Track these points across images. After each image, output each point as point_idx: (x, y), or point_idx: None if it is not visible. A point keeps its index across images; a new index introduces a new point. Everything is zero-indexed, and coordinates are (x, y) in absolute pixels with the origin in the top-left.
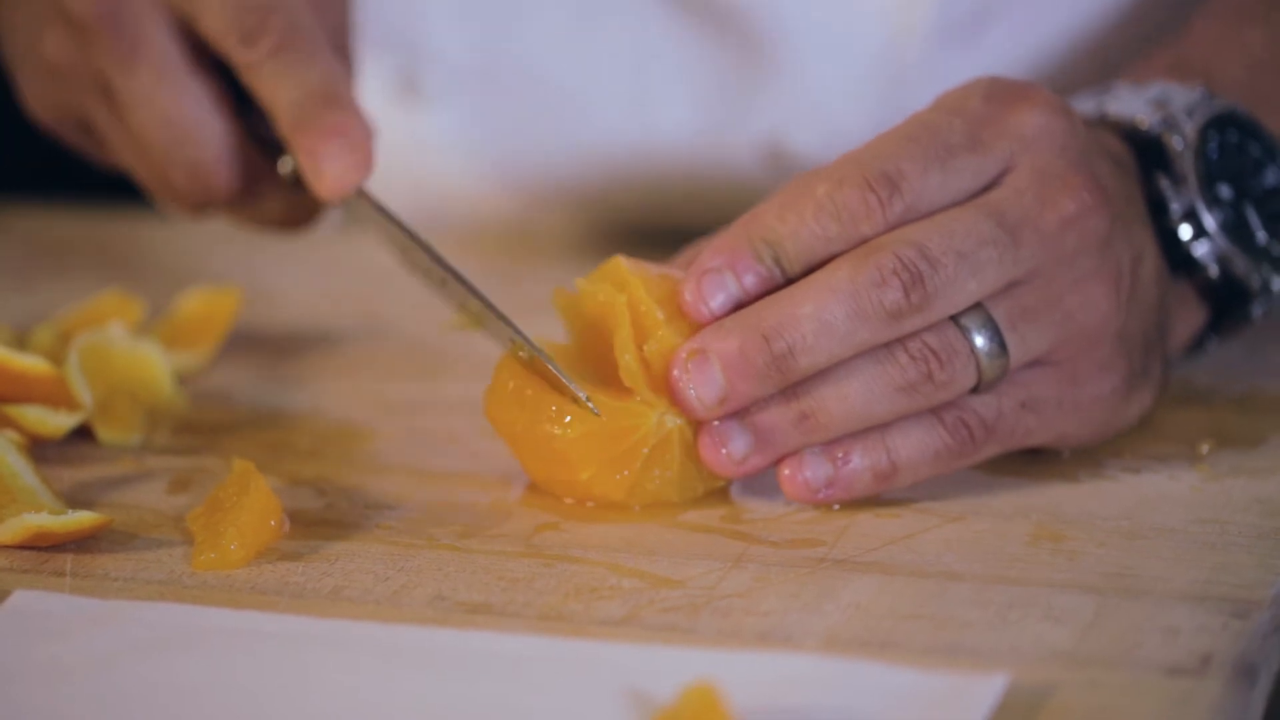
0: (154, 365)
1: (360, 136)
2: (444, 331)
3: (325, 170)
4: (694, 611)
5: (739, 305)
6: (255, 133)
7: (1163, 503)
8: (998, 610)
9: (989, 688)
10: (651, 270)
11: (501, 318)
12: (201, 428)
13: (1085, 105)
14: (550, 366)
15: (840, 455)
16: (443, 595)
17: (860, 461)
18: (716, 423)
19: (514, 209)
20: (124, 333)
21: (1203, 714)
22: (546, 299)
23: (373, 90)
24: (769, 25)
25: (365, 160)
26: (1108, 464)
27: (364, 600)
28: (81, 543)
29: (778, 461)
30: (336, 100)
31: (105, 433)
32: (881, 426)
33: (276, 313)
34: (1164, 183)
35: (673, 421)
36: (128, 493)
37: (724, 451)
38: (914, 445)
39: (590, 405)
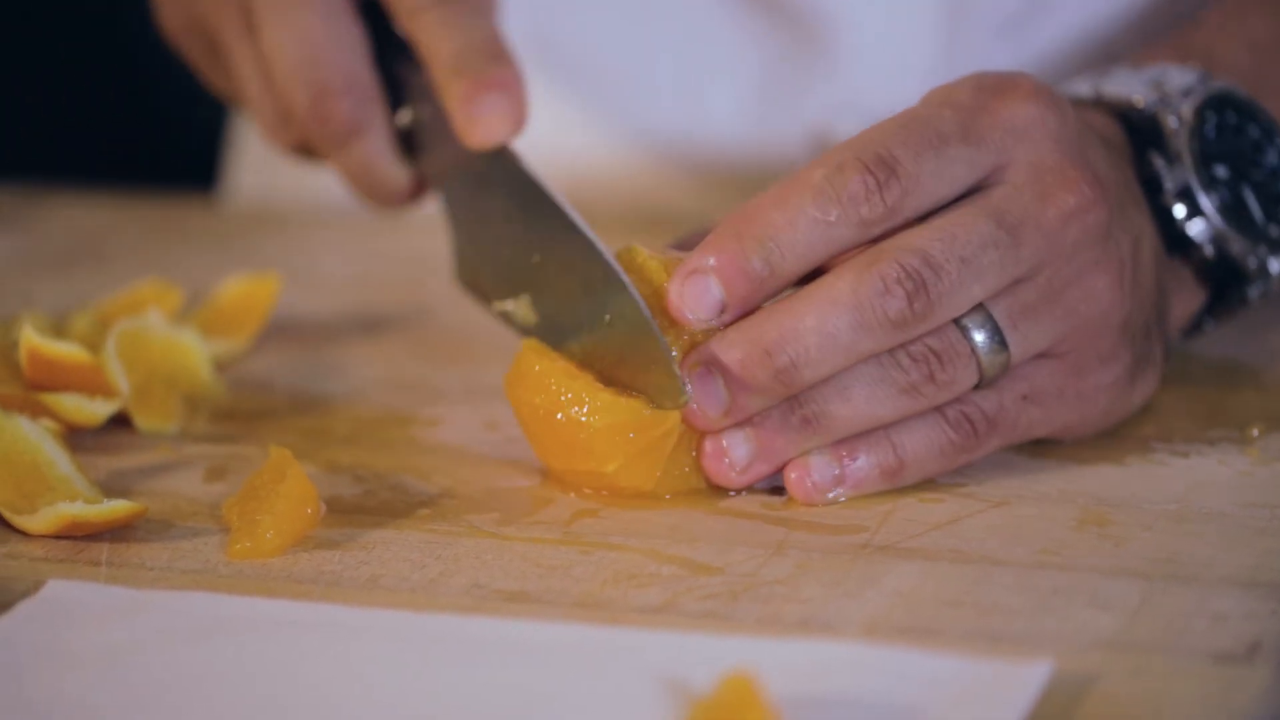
0: (192, 352)
1: (520, 94)
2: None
3: (481, 117)
4: (733, 599)
5: (724, 309)
6: (384, 78)
7: (1212, 487)
8: (1042, 597)
9: (1033, 675)
10: (670, 256)
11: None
12: (240, 415)
13: (1082, 87)
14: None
15: (846, 454)
16: (480, 583)
17: (867, 460)
18: (717, 434)
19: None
20: (162, 320)
21: (1250, 701)
22: None
23: None
24: (821, 14)
25: (521, 117)
26: (1156, 448)
27: (400, 588)
28: (117, 532)
29: (782, 467)
30: (501, 56)
31: (143, 420)
32: (887, 424)
33: (316, 299)
34: (1158, 162)
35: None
36: (164, 481)
37: (726, 461)
38: (919, 441)
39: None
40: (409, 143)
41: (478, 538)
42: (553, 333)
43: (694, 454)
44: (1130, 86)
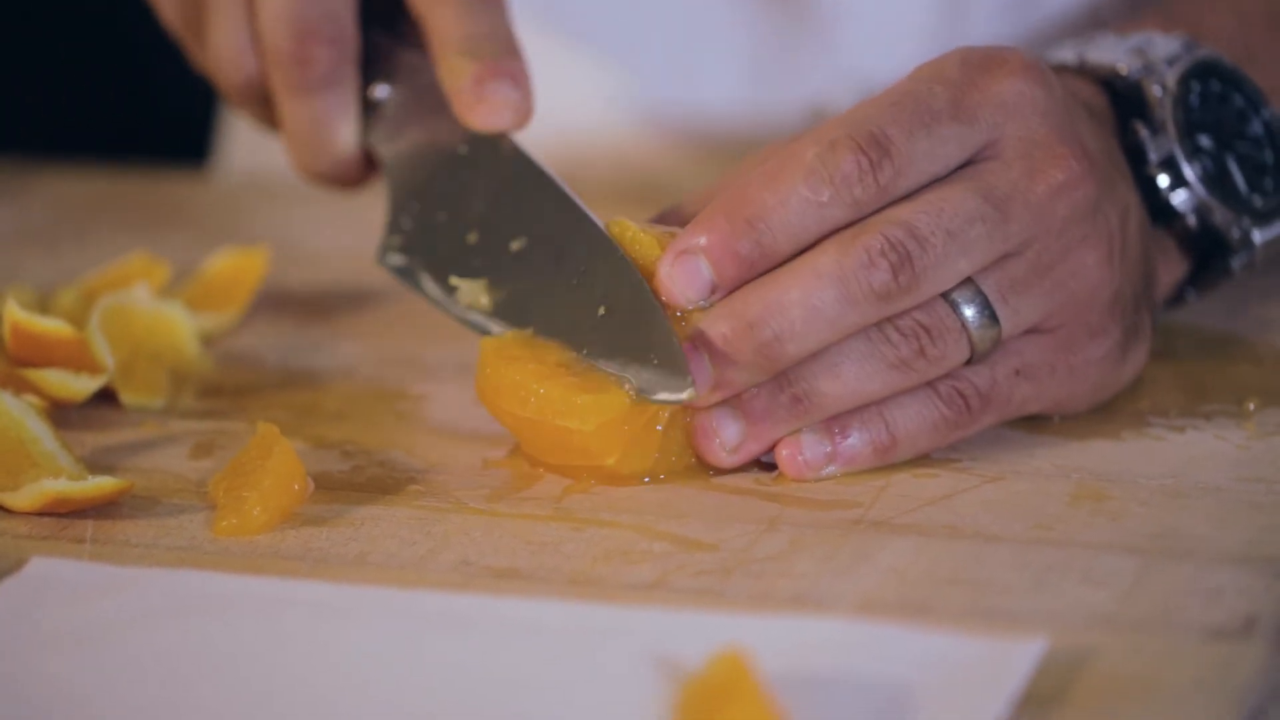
0: (178, 327)
1: (528, 90)
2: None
3: (489, 99)
4: (726, 575)
5: (714, 289)
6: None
7: (1208, 461)
8: (1036, 573)
9: (1027, 652)
10: (656, 231)
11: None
12: (227, 390)
13: (1066, 54)
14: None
15: (838, 431)
16: (469, 560)
17: (859, 436)
18: (708, 412)
19: (556, 169)
20: (147, 294)
21: (1245, 677)
22: None
23: None
24: None
25: (526, 111)
26: (1152, 422)
27: (389, 565)
28: (102, 508)
29: (773, 446)
30: (515, 49)
31: (128, 396)
32: (878, 401)
33: (305, 274)
34: (1143, 132)
35: None
36: (150, 457)
37: (717, 441)
38: (911, 418)
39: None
40: (369, 120)
41: (467, 514)
42: (513, 316)
43: (687, 433)
44: (1114, 54)
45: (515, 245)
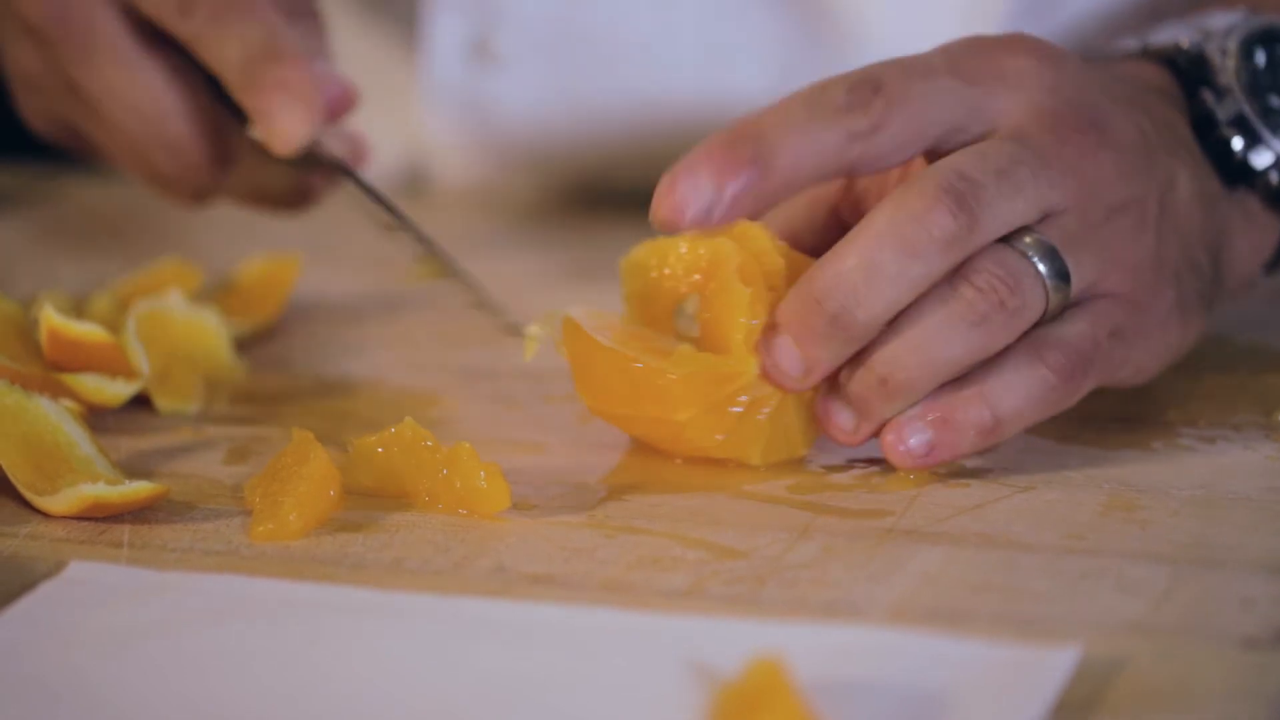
0: (212, 333)
1: (303, 87)
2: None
3: (274, 127)
4: (759, 582)
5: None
6: (226, 104)
7: (1238, 471)
8: (1069, 581)
9: (1061, 660)
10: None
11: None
12: (260, 396)
13: (1129, 42)
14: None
15: (938, 417)
16: (504, 566)
17: (961, 420)
18: (821, 399)
19: (585, 169)
20: (182, 300)
21: (1278, 686)
22: (615, 260)
23: (445, 53)
24: None
25: (311, 111)
26: (1182, 432)
27: (424, 571)
28: (139, 513)
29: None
30: (277, 54)
31: (163, 401)
32: (979, 381)
33: (337, 280)
34: (1209, 97)
35: None
36: (186, 462)
37: (836, 425)
38: (1018, 393)
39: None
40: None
41: (501, 521)
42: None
43: (760, 424)
44: (1175, 33)
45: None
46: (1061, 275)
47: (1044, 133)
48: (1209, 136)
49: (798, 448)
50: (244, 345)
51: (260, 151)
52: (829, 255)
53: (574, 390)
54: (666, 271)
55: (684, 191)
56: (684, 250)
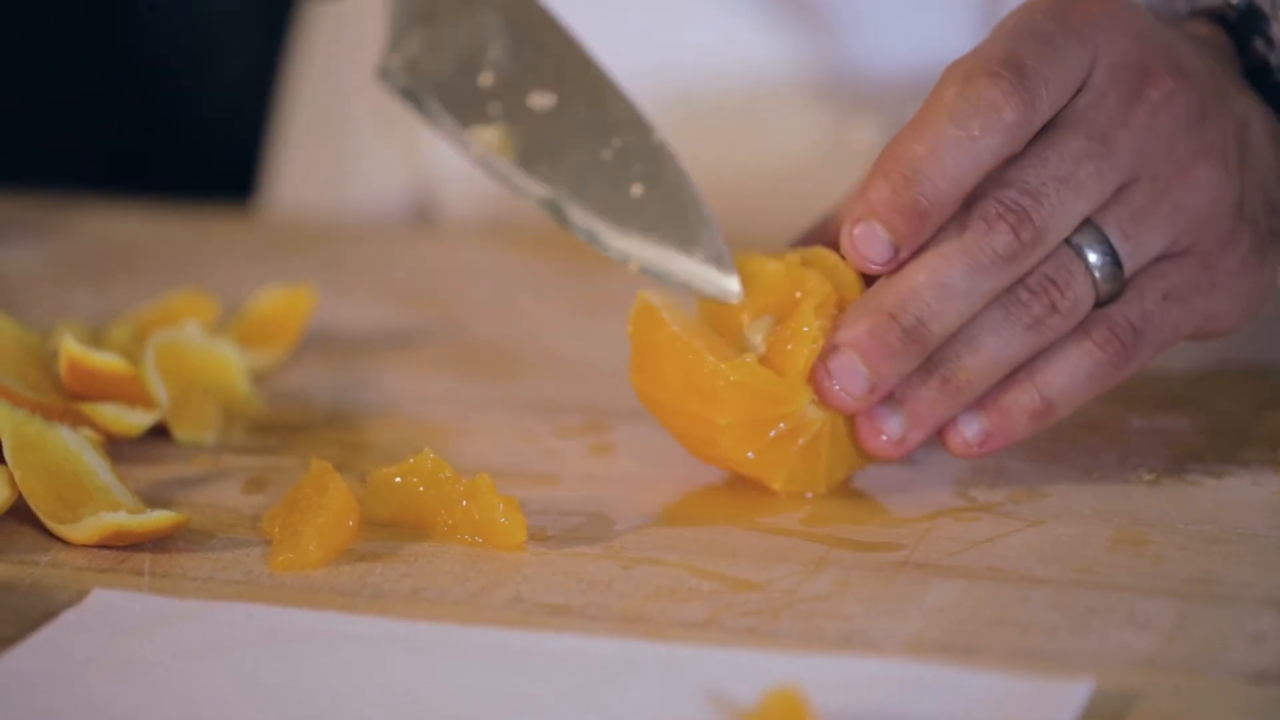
0: (229, 364)
1: None
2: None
3: None
4: (775, 615)
5: (897, 249)
6: None
7: (1246, 507)
8: (1080, 615)
9: (1074, 694)
10: (787, 257)
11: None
12: (277, 427)
13: (1178, 5)
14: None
15: (990, 405)
16: (521, 597)
17: (1012, 406)
18: (870, 409)
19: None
20: (199, 331)
21: None
22: (625, 294)
23: None
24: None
25: None
26: (1190, 468)
27: (442, 601)
28: (159, 542)
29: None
30: None
31: (181, 431)
32: (1028, 366)
33: (352, 312)
34: (1260, 45)
35: (817, 414)
36: (204, 492)
37: (883, 436)
38: (1066, 375)
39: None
40: None
41: (518, 551)
42: (534, 172)
43: (795, 454)
44: None
45: (538, 100)
46: (1113, 267)
47: (1119, 97)
48: (1263, 83)
49: (819, 484)
50: (260, 376)
51: None
52: (896, 274)
53: (587, 423)
54: (751, 286)
55: (865, 243)
56: (773, 268)
